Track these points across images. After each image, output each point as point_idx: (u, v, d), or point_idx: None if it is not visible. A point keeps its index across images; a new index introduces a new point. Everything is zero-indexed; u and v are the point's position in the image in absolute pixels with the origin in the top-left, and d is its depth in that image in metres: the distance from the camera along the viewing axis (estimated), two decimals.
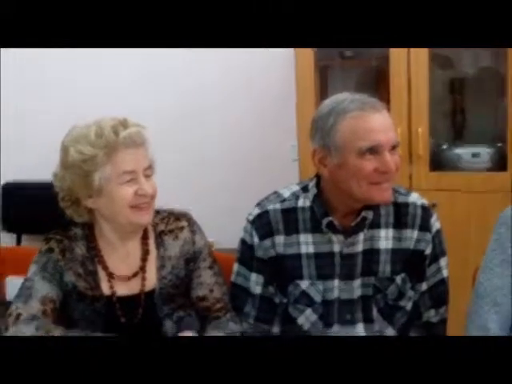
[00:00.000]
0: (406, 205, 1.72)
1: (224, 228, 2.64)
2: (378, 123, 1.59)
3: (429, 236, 1.72)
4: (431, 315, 1.76)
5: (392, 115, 2.67)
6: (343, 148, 1.59)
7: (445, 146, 2.88)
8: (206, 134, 3.42)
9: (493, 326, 1.62)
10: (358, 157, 1.58)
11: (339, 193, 1.65)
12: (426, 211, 1.73)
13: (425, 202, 1.75)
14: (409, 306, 1.73)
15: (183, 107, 3.40)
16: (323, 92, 2.97)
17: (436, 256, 1.74)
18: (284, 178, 2.49)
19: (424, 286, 1.74)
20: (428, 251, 1.72)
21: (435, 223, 1.73)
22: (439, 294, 1.76)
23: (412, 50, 2.71)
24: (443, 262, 1.75)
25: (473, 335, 1.61)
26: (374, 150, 1.57)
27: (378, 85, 3.00)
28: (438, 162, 2.85)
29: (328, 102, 1.66)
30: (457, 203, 2.74)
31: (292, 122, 2.92)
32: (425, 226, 1.71)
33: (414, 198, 1.74)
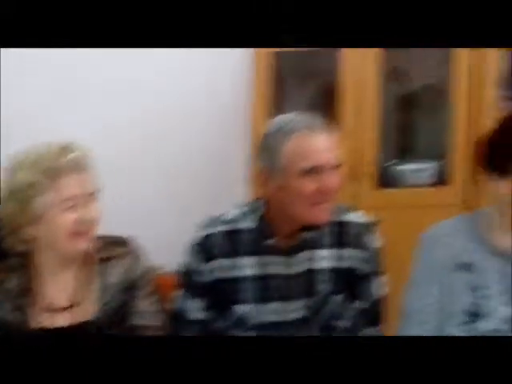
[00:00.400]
0: (347, 224, 1.74)
1: (172, 251, 2.60)
2: (321, 143, 1.61)
3: (368, 254, 1.74)
4: (369, 333, 1.77)
5: (341, 132, 2.70)
6: (286, 169, 1.60)
7: (391, 163, 2.92)
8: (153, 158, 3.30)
9: None
10: (299, 177, 1.59)
11: (282, 214, 1.66)
12: (366, 229, 1.75)
13: (366, 220, 1.77)
14: (347, 325, 1.75)
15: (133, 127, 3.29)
16: (279, 106, 2.94)
17: (375, 274, 1.76)
18: (234, 198, 2.47)
19: (362, 305, 1.76)
20: (367, 270, 1.74)
21: (375, 241, 1.76)
22: (377, 313, 1.78)
23: (361, 64, 2.74)
24: (381, 280, 1.78)
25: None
26: (315, 171, 1.59)
27: (331, 99, 3.01)
28: (385, 179, 2.89)
29: (275, 122, 1.68)
30: (403, 219, 2.78)
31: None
32: (364, 245, 1.74)
33: (355, 216, 1.76)
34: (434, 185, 2.85)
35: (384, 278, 1.79)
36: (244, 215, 1.74)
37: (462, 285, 1.69)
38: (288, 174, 1.60)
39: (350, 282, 1.73)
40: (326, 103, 2.98)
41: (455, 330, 1.66)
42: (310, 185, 1.59)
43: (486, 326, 1.63)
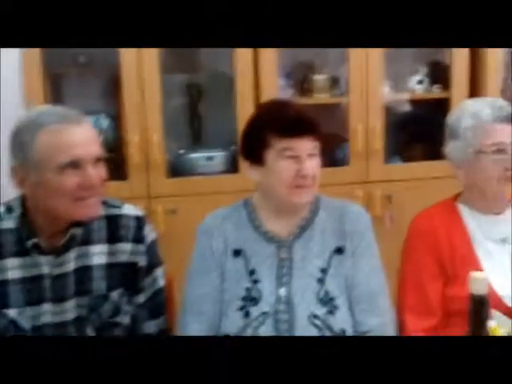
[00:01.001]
0: (119, 217, 1.70)
1: None
2: (78, 136, 1.54)
3: (143, 247, 1.71)
4: (150, 327, 1.75)
5: (127, 122, 2.65)
6: (41, 164, 1.52)
7: (181, 152, 2.92)
8: None
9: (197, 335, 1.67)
10: (58, 173, 1.52)
11: (43, 212, 1.58)
12: (140, 222, 1.72)
13: (139, 212, 1.74)
14: (126, 320, 1.71)
15: None
16: (58, 102, 2.85)
17: (152, 267, 1.73)
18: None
19: (141, 299, 1.73)
20: (143, 263, 1.71)
21: (149, 234, 1.73)
22: (157, 305, 1.76)
23: (144, 54, 2.70)
24: (159, 272, 1.76)
25: None
26: (75, 165, 1.52)
27: (114, 92, 2.96)
28: (176, 168, 2.89)
29: (25, 116, 1.58)
30: (196, 208, 2.78)
31: None
32: (138, 238, 1.70)
33: (127, 209, 1.72)
34: (225, 172, 2.89)
35: (162, 270, 1.77)
36: (2, 215, 1.64)
37: (236, 271, 1.72)
38: (44, 169, 1.52)
39: (127, 276, 1.69)
40: (109, 96, 2.94)
41: (232, 315, 1.69)
42: (70, 180, 1.52)
43: (260, 309, 1.68)
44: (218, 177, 2.87)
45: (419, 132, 3.15)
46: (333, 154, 3.05)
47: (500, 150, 1.75)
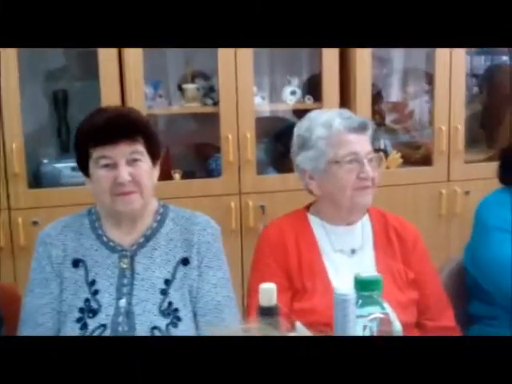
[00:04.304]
0: None
1: None
2: None
3: None
4: None
5: None
6: None
7: (45, 161, 2.80)
8: None
9: None
10: None
11: None
12: None
13: None
14: None
15: None
16: None
17: None
18: None
19: None
20: None
21: None
22: None
23: (3, 61, 2.57)
24: None
25: None
26: None
27: None
28: (39, 179, 2.77)
29: None
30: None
31: None
32: None
33: None
34: None
35: None
36: None
37: (75, 281, 1.67)
38: None
39: None
40: None
41: (70, 326, 1.62)
42: None
43: (98, 321, 1.62)
44: (83, 188, 2.76)
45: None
46: (206, 164, 3.02)
47: (354, 160, 1.76)
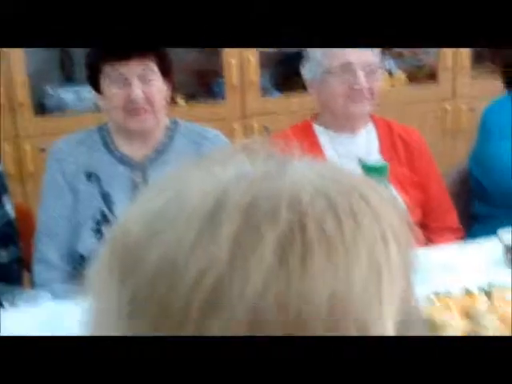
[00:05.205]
0: None
1: None
2: None
3: None
4: (2, 256, 1.71)
5: None
6: None
7: (50, 89, 2.80)
8: None
9: (53, 257, 1.65)
10: None
11: None
12: None
13: None
14: None
15: None
16: None
17: None
18: None
19: None
20: None
21: None
22: (6, 235, 1.71)
23: None
24: (5, 199, 1.71)
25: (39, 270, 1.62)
26: None
27: None
28: (44, 107, 2.77)
29: None
30: None
31: None
32: None
33: None
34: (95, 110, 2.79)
35: (8, 198, 1.73)
36: None
37: (90, 194, 1.70)
38: None
39: None
40: None
41: (86, 236, 1.67)
42: None
43: None
44: (87, 114, 2.77)
45: (298, 65, 3.13)
46: (209, 89, 3.01)
47: (347, 70, 1.76)
